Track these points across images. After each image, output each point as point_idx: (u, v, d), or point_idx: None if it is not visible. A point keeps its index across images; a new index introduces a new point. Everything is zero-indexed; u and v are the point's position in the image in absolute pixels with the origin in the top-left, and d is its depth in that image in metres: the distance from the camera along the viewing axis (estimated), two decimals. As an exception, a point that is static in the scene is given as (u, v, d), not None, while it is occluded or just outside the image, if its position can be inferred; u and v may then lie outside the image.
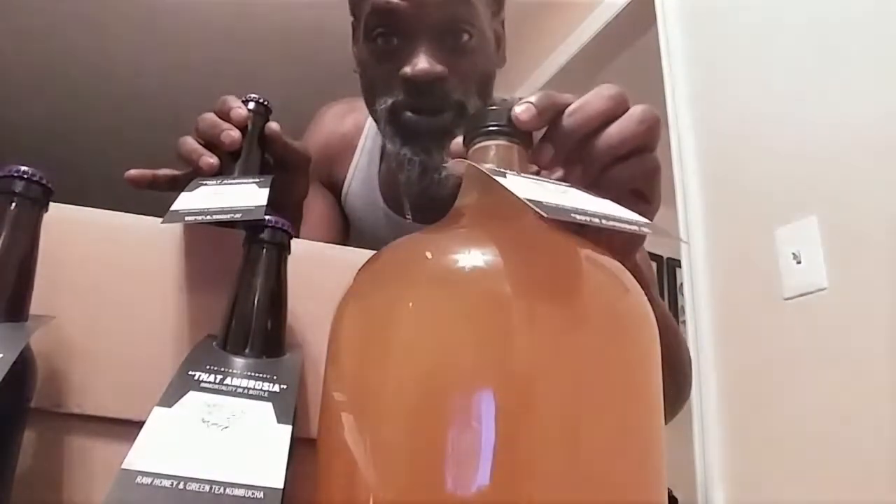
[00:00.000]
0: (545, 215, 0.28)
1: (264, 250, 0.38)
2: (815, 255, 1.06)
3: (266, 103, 0.51)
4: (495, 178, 0.31)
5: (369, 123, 0.84)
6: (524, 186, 0.31)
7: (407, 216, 0.80)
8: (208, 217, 0.39)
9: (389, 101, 0.65)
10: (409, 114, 0.65)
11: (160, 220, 0.40)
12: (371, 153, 0.84)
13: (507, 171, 0.34)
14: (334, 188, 0.86)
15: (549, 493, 0.26)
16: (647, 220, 0.33)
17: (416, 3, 0.62)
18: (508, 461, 0.26)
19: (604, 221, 0.30)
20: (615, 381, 0.29)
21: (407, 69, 0.63)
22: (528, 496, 0.26)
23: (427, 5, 0.62)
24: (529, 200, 0.29)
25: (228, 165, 0.48)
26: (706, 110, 1.38)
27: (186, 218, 0.39)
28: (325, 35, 2.32)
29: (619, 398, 0.29)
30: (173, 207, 0.40)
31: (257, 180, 0.45)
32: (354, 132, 0.85)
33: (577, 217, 0.30)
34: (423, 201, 0.76)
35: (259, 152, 0.51)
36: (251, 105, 0.51)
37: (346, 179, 0.85)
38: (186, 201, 0.41)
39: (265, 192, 0.42)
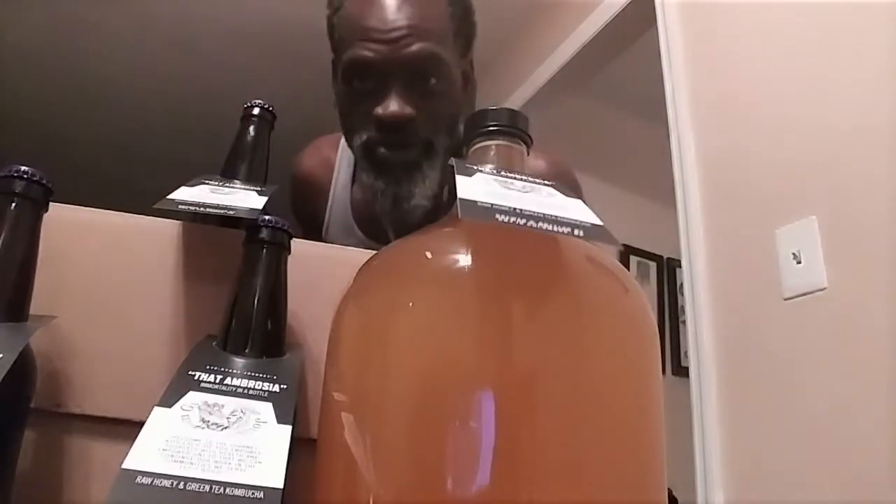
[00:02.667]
0: (459, 216, 0.28)
1: (264, 250, 0.38)
2: (815, 255, 1.05)
3: (271, 109, 0.51)
4: (458, 175, 0.31)
5: (339, 158, 0.89)
6: (477, 185, 0.31)
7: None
8: (201, 209, 0.39)
9: (364, 137, 0.71)
10: (381, 149, 0.71)
11: (158, 216, 0.40)
12: (345, 184, 0.88)
13: (481, 169, 0.33)
14: (317, 228, 0.91)
15: (549, 493, 0.26)
16: (590, 224, 0.31)
17: (388, 57, 0.68)
18: (508, 461, 0.26)
19: (531, 223, 0.29)
20: (614, 380, 0.29)
21: (379, 110, 0.69)
22: (528, 496, 0.26)
23: (398, 58, 0.68)
24: (462, 199, 0.29)
25: (232, 169, 0.48)
26: (706, 110, 1.37)
27: (180, 206, 0.39)
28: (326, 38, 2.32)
29: (619, 398, 0.29)
30: (169, 197, 0.40)
31: (258, 189, 0.45)
32: (326, 170, 0.90)
33: (499, 217, 0.28)
34: (399, 229, 0.80)
35: (265, 158, 0.50)
36: (256, 111, 0.50)
37: (325, 215, 0.90)
38: (184, 193, 0.41)
39: (263, 199, 0.42)
